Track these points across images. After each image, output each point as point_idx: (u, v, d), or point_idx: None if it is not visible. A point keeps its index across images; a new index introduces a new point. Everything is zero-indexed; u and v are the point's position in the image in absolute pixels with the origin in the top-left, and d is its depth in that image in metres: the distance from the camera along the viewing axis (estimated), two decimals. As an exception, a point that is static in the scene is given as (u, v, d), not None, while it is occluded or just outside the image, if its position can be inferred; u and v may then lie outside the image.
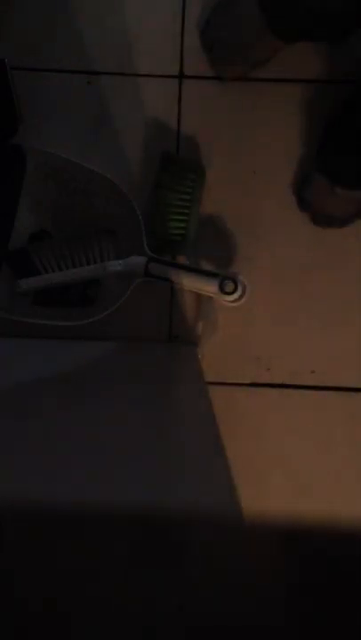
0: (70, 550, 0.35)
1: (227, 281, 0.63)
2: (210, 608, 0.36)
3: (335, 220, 0.69)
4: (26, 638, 0.33)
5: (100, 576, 0.35)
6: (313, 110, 0.70)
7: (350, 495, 0.74)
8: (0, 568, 0.34)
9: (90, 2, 0.70)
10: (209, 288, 0.65)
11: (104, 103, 0.71)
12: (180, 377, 0.69)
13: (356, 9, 0.55)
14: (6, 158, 0.69)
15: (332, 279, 0.72)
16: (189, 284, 0.66)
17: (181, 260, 0.71)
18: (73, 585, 0.35)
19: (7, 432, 0.47)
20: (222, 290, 0.64)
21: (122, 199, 0.67)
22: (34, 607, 0.34)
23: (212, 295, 0.65)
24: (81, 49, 0.70)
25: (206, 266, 0.72)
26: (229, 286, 0.63)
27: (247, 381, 0.74)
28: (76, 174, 0.69)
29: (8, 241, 0.70)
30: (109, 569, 0.35)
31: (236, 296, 0.63)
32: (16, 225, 0.70)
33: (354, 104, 0.62)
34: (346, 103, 0.63)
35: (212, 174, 0.71)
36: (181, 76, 0.70)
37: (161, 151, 0.69)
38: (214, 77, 0.70)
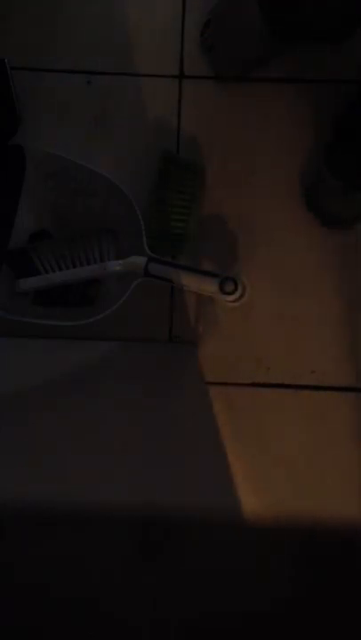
0: (70, 550, 0.35)
1: (227, 281, 0.63)
2: (210, 607, 0.36)
3: (343, 221, 0.69)
4: (26, 637, 0.33)
5: (100, 575, 0.35)
6: (313, 110, 0.70)
7: (350, 495, 0.74)
8: (1, 567, 0.34)
9: (90, 2, 0.70)
10: (209, 288, 0.65)
11: (104, 103, 0.71)
12: (180, 377, 0.69)
13: (356, 9, 0.55)
14: (6, 158, 0.69)
15: (333, 279, 0.72)
16: (189, 283, 0.66)
17: (181, 260, 0.71)
18: (73, 585, 0.35)
19: (7, 432, 0.47)
20: (222, 290, 0.64)
21: (122, 199, 0.67)
22: (33, 607, 0.34)
23: (212, 295, 0.65)
24: (81, 49, 0.70)
25: (206, 266, 0.72)
26: (229, 286, 0.63)
27: (247, 381, 0.74)
28: (76, 174, 0.69)
29: (8, 241, 0.70)
30: (108, 569, 0.35)
31: (236, 296, 0.63)
32: (16, 225, 0.70)
33: (358, 104, 0.62)
34: (351, 103, 0.63)
35: (212, 174, 0.71)
36: (181, 76, 0.70)
37: (161, 151, 0.69)
38: (214, 77, 0.70)
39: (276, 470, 0.74)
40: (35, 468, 0.42)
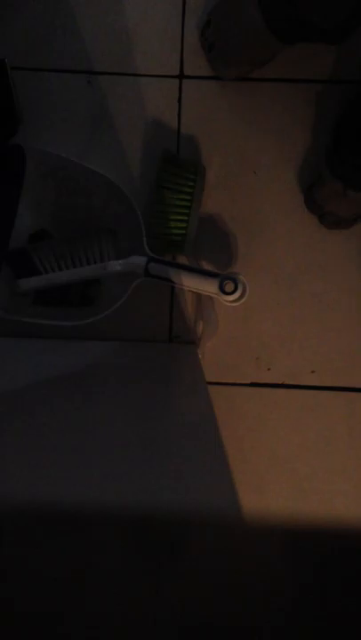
0: (70, 550, 0.35)
1: (227, 281, 0.63)
2: (210, 608, 0.36)
3: (343, 221, 0.69)
4: (25, 636, 0.33)
5: (99, 576, 0.35)
6: (313, 110, 0.70)
7: (350, 495, 0.74)
8: (0, 567, 0.34)
9: (90, 2, 0.70)
10: (209, 288, 0.65)
11: (104, 103, 0.71)
12: (180, 377, 0.69)
13: (356, 9, 0.55)
14: (6, 158, 0.69)
15: (333, 279, 0.72)
16: (189, 284, 0.66)
17: (181, 259, 0.71)
18: (72, 585, 0.35)
19: (7, 432, 0.47)
20: (222, 290, 0.64)
21: (122, 199, 0.67)
22: (33, 607, 0.34)
23: (212, 295, 0.65)
24: (81, 49, 0.70)
25: (206, 266, 0.72)
26: (229, 286, 0.63)
27: (247, 381, 0.74)
28: (76, 174, 0.69)
29: (8, 241, 0.70)
30: (108, 569, 0.35)
31: (236, 296, 0.63)
32: (16, 225, 0.70)
33: (358, 104, 0.62)
34: (351, 103, 0.63)
35: (212, 174, 0.71)
36: (181, 76, 0.70)
37: (161, 151, 0.69)
38: (214, 77, 0.70)
39: (275, 470, 0.74)
40: (35, 468, 0.41)
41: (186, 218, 0.68)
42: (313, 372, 0.73)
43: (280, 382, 0.74)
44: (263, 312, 0.73)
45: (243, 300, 0.64)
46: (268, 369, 0.74)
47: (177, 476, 0.43)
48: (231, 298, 0.64)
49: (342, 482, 0.74)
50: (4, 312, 0.69)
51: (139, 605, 0.35)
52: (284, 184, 0.71)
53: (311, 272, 0.72)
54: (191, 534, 0.38)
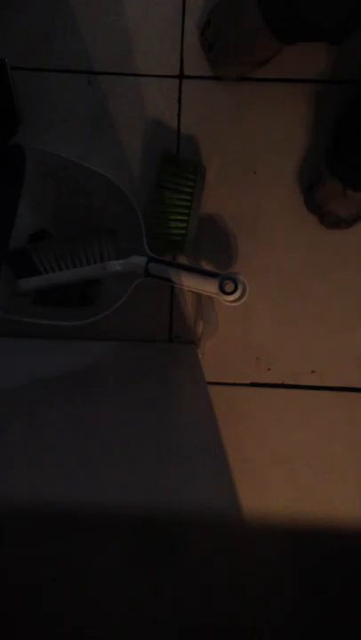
0: (70, 550, 0.35)
1: (227, 281, 0.63)
2: (210, 608, 0.36)
3: (343, 221, 0.69)
4: (25, 637, 0.33)
5: (99, 576, 0.35)
6: (313, 110, 0.70)
7: (350, 495, 0.74)
8: (0, 567, 0.34)
9: (90, 2, 0.70)
10: (209, 288, 0.65)
11: (104, 103, 0.71)
12: (180, 377, 0.69)
13: (356, 9, 0.55)
14: (6, 158, 0.69)
15: (333, 279, 0.72)
16: (189, 284, 0.66)
17: (181, 259, 0.71)
18: (72, 585, 0.35)
19: (7, 432, 0.47)
20: (222, 290, 0.64)
21: (122, 199, 0.67)
22: (33, 607, 0.34)
23: (212, 295, 0.65)
24: (81, 49, 0.70)
25: (206, 266, 0.72)
26: (229, 286, 0.63)
27: (247, 381, 0.74)
28: (76, 174, 0.69)
29: (8, 241, 0.70)
30: (108, 569, 0.35)
31: (236, 296, 0.63)
32: (16, 225, 0.70)
33: (358, 104, 0.62)
34: (351, 103, 0.63)
35: (212, 174, 0.71)
36: (181, 76, 0.70)
37: (161, 151, 0.69)
38: (214, 77, 0.70)
39: (276, 470, 0.74)
40: (35, 468, 0.41)
41: (186, 218, 0.68)
42: (313, 372, 0.73)
43: (280, 382, 0.74)
44: (263, 312, 0.73)
45: (243, 300, 0.64)
46: (268, 369, 0.74)
47: (177, 475, 0.43)
48: (231, 298, 0.64)
49: (342, 482, 0.74)
50: (4, 312, 0.69)
51: (139, 605, 0.35)
52: (284, 184, 0.71)
53: (311, 272, 0.72)
54: (191, 534, 0.38)
